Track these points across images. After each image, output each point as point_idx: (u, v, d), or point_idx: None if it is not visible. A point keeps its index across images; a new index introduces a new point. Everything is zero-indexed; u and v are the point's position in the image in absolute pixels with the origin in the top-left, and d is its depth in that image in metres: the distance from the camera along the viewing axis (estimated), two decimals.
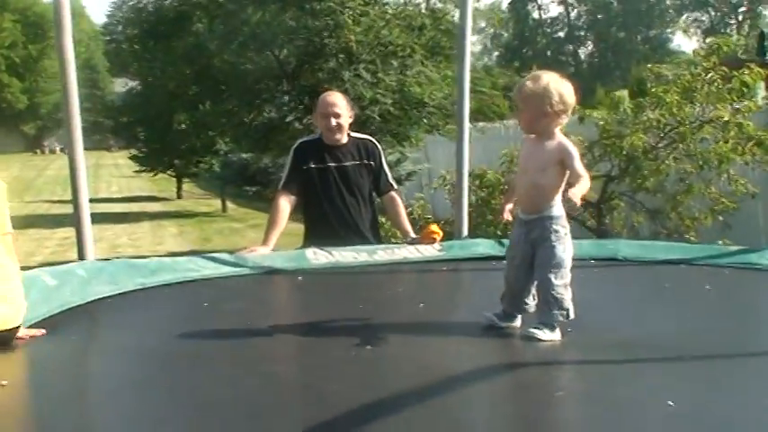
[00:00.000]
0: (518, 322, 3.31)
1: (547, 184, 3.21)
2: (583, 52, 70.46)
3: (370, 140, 5.47)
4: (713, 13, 68.26)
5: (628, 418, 2.37)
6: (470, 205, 7.82)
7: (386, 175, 5.42)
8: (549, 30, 68.43)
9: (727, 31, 32.10)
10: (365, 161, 5.33)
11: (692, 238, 7.78)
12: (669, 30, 68.91)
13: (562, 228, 3.20)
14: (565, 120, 3.22)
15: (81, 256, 4.65)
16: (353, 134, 5.40)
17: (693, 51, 7.72)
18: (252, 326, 3.60)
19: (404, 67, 10.48)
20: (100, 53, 57.04)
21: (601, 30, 66.74)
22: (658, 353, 3.02)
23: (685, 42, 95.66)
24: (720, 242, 7.17)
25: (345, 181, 5.27)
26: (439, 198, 10.03)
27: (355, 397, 2.55)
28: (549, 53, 61.45)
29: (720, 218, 7.96)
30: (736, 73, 7.48)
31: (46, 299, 3.77)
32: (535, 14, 66.34)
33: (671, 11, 67.82)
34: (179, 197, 27.61)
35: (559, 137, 3.22)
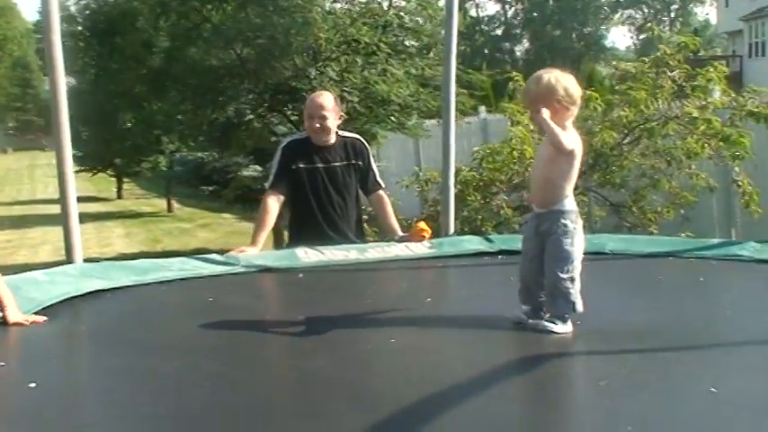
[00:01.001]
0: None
1: (556, 176, 3.26)
2: (519, 50, 71.25)
3: (359, 140, 5.47)
4: (646, 11, 69.51)
5: (679, 406, 2.44)
6: (439, 203, 7.92)
7: (373, 174, 5.44)
8: (486, 27, 69.01)
9: (660, 27, 32.58)
10: (353, 161, 5.33)
11: (654, 232, 7.95)
12: (604, 27, 70.01)
13: (571, 222, 3.25)
14: (574, 111, 3.27)
15: (69, 260, 4.61)
16: (342, 133, 5.39)
17: (660, 49, 7.85)
18: (263, 320, 3.70)
19: (369, 65, 10.50)
20: (32, 51, 56.01)
21: (536, 28, 67.49)
22: (679, 342, 3.12)
23: (619, 39, 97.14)
24: (682, 234, 7.36)
25: (334, 181, 5.27)
26: (403, 196, 10.05)
27: (388, 390, 2.63)
28: (486, 51, 61.92)
29: (682, 211, 8.15)
30: (700, 71, 7.67)
31: (40, 291, 3.81)
32: (473, 12, 66.78)
33: (605, 8, 68.90)
34: (119, 197, 27.25)
35: (571, 129, 3.27)
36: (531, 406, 2.60)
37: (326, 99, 5.32)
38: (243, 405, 2.50)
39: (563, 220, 3.25)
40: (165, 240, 17.10)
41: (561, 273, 3.21)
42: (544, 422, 2.45)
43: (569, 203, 3.28)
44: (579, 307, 3.22)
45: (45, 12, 4.52)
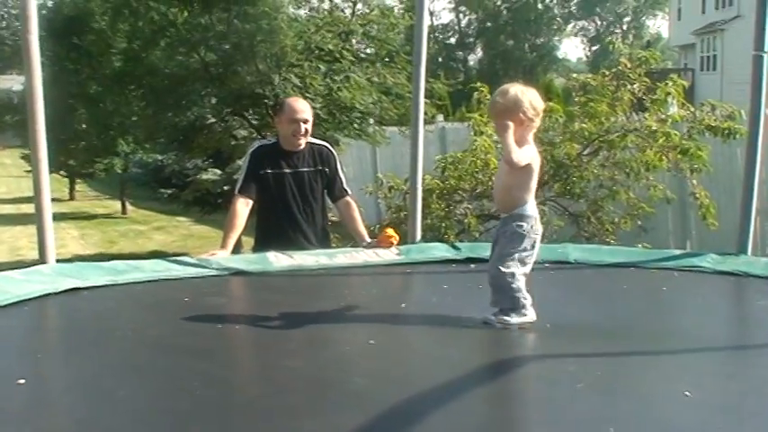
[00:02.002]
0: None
1: (514, 186, 3.42)
2: (472, 59, 71.61)
3: (326, 146, 5.53)
4: (599, 22, 70.36)
5: (654, 409, 2.55)
6: (402, 209, 8.01)
7: (340, 180, 5.49)
8: (440, 36, 69.30)
9: (612, 39, 33.04)
10: (320, 167, 5.39)
11: (612, 242, 8.10)
12: (556, 38, 70.68)
13: (526, 224, 3.40)
14: (537, 124, 3.45)
15: (42, 260, 4.61)
16: (309, 139, 5.44)
17: (620, 62, 8.03)
18: (242, 321, 3.76)
19: (332, 72, 10.57)
20: None
21: (490, 37, 67.88)
22: (649, 347, 3.25)
23: (571, 50, 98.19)
24: (639, 245, 7.51)
25: (300, 187, 5.33)
26: (362, 202, 10.11)
27: (369, 390, 2.71)
28: (440, 59, 62.15)
29: (639, 222, 8.32)
30: (660, 84, 7.85)
31: (17, 287, 3.89)
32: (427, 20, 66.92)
33: (558, 19, 69.57)
34: (71, 198, 26.95)
35: (531, 143, 3.41)
36: (512, 406, 2.70)
37: (305, 104, 5.43)
38: (233, 403, 2.57)
39: (518, 222, 3.40)
40: (120, 242, 17.01)
41: (501, 267, 3.38)
42: (527, 422, 2.56)
43: (530, 209, 3.43)
44: (526, 302, 3.37)
45: (23, 13, 4.52)
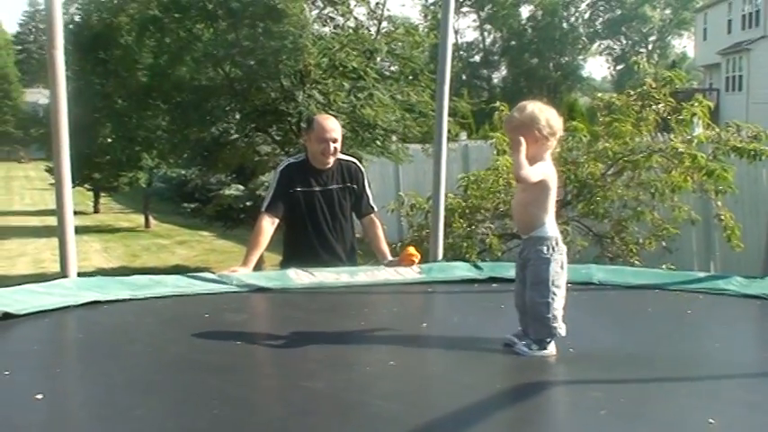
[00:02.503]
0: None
1: (530, 204, 3.38)
2: (497, 77, 71.72)
3: (354, 163, 5.53)
4: (624, 42, 70.25)
5: None
6: (424, 228, 7.98)
7: (367, 197, 5.49)
8: (464, 54, 69.44)
9: (637, 59, 32.94)
10: (348, 184, 5.39)
11: (636, 263, 8.03)
12: (581, 57, 70.64)
13: (548, 248, 3.34)
14: (553, 142, 3.39)
15: (64, 273, 4.62)
16: (338, 156, 5.45)
17: (645, 82, 7.98)
18: (261, 339, 3.73)
19: (356, 90, 10.58)
20: (11, 63, 55.75)
21: (514, 56, 67.98)
22: (673, 373, 3.19)
23: (596, 69, 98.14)
24: (664, 266, 7.45)
25: (330, 205, 5.32)
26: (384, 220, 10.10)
27: (389, 413, 2.67)
28: (464, 77, 62.26)
29: (663, 243, 8.25)
30: (685, 105, 7.80)
31: (36, 300, 3.92)
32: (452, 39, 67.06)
33: (583, 38, 69.56)
34: (96, 211, 27.16)
35: (547, 160, 3.37)
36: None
37: (335, 123, 5.42)
38: (250, 424, 2.54)
39: (539, 246, 3.34)
40: (143, 256, 17.07)
41: (537, 297, 3.31)
42: None
43: (550, 230, 3.37)
44: (561, 332, 3.31)
45: (49, 28, 4.55)
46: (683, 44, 73.95)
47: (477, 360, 3.38)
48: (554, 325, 3.30)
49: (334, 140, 5.27)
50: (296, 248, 5.37)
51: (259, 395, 2.95)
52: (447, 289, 4.94)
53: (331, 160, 5.31)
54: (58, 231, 4.68)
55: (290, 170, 5.36)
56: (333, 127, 5.32)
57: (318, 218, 5.29)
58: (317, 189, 5.29)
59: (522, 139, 3.23)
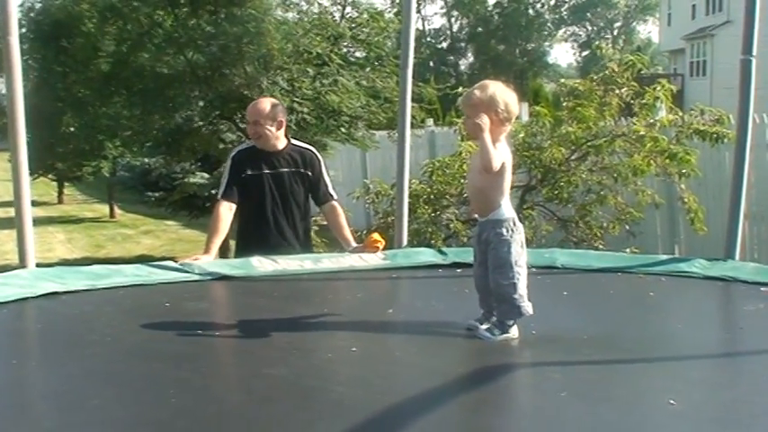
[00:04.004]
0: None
1: (487, 188, 3.36)
2: (464, 64, 71.73)
3: (309, 149, 5.52)
4: (590, 28, 70.51)
5: (637, 418, 2.51)
6: (390, 214, 7.96)
7: (325, 185, 5.47)
8: (432, 41, 69.36)
9: (600, 44, 33.09)
10: (301, 169, 5.37)
11: (600, 247, 8.07)
12: (547, 43, 70.88)
13: (506, 230, 3.33)
14: (508, 127, 3.38)
15: (22, 264, 4.56)
16: (295, 142, 5.46)
17: (608, 67, 8.00)
18: (223, 327, 3.73)
19: (320, 76, 10.52)
20: None
21: (481, 42, 67.99)
22: (634, 354, 3.21)
23: (561, 55, 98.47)
24: (628, 250, 7.49)
25: (280, 187, 5.31)
26: (350, 207, 10.07)
27: (351, 399, 2.66)
28: (431, 63, 62.15)
29: (627, 227, 8.29)
30: (648, 89, 7.83)
31: None
32: (419, 25, 67.05)
33: (549, 25, 69.74)
34: (60, 202, 26.86)
35: (503, 142, 3.35)
36: (495, 415, 2.64)
37: (263, 105, 5.38)
38: (211, 412, 2.52)
39: (498, 229, 3.33)
40: (108, 246, 16.92)
41: (502, 279, 3.30)
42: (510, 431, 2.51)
43: (506, 211, 3.36)
44: (528, 310, 3.31)
45: (3, 14, 4.47)
46: (649, 30, 74.48)
47: (441, 345, 3.37)
48: (522, 304, 3.29)
49: (256, 123, 5.28)
50: (247, 233, 5.40)
51: (220, 383, 2.92)
52: (411, 275, 4.91)
53: (266, 143, 5.32)
54: (16, 222, 4.62)
55: (242, 156, 5.38)
56: (256, 110, 5.33)
57: (267, 200, 5.28)
58: (267, 171, 5.29)
59: (486, 123, 3.20)
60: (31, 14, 19.35)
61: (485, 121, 3.21)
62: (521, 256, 3.34)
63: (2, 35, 4.47)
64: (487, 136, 3.21)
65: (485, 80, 3.42)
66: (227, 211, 5.21)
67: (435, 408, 2.58)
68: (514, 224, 3.36)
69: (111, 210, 22.33)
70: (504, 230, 3.32)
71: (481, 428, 2.52)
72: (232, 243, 5.66)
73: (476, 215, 3.52)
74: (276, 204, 5.31)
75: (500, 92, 3.31)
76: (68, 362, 3.07)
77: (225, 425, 2.42)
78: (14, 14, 4.51)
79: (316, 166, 5.44)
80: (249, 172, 5.28)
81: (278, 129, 5.31)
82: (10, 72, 4.49)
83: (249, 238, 5.34)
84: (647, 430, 2.44)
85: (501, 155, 3.27)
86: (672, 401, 2.54)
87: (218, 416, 2.49)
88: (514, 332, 3.32)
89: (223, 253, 5.47)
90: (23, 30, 19.68)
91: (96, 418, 2.47)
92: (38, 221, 20.52)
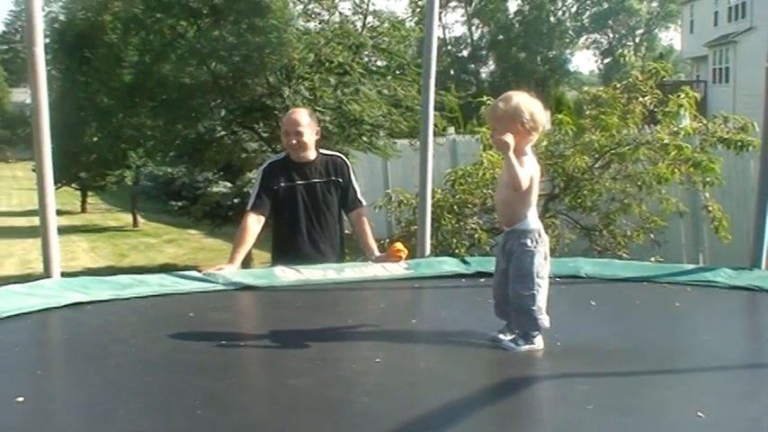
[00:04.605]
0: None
1: (514, 200, 3.33)
2: (485, 72, 71.65)
3: (339, 157, 5.53)
4: (612, 35, 70.30)
5: (665, 430, 2.48)
6: (412, 223, 7.95)
7: (354, 191, 5.47)
8: (452, 49, 69.37)
9: (623, 52, 33.07)
10: (333, 177, 5.37)
11: (624, 255, 8.03)
12: (568, 51, 70.73)
13: (531, 240, 3.31)
14: (535, 137, 3.35)
15: (47, 274, 4.59)
16: (323, 151, 5.46)
17: (631, 75, 7.97)
18: (246, 337, 3.71)
19: (342, 85, 10.55)
20: None
21: (502, 50, 67.94)
22: (661, 366, 3.17)
23: (583, 63, 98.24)
24: (652, 259, 7.44)
25: (313, 198, 5.31)
26: (372, 216, 10.07)
27: (375, 410, 2.65)
28: (452, 71, 62.18)
29: (651, 236, 8.24)
30: (672, 97, 7.79)
31: (18, 301, 3.88)
32: (440, 33, 67.06)
33: (570, 32, 69.58)
34: (83, 210, 27.04)
35: (529, 154, 3.33)
36: (519, 427, 2.63)
37: (302, 115, 5.38)
38: (235, 423, 2.51)
39: (523, 239, 3.32)
40: (131, 255, 17.00)
41: (522, 290, 3.29)
42: None
43: (532, 222, 3.35)
44: (545, 323, 3.29)
45: (29, 24, 4.51)
46: (671, 37, 74.12)
47: (465, 355, 3.35)
48: (539, 317, 3.28)
49: (298, 134, 5.27)
50: (282, 244, 5.38)
51: (244, 394, 2.91)
52: (435, 284, 4.89)
53: (303, 154, 5.32)
54: (41, 231, 4.65)
55: (273, 167, 5.38)
56: (296, 119, 5.33)
57: (301, 211, 5.28)
58: (300, 182, 5.29)
59: (510, 142, 3.17)
60: (55, 25, 19.55)
61: (509, 139, 3.18)
62: (543, 267, 3.33)
63: (27, 46, 4.52)
64: (512, 155, 3.19)
65: (509, 91, 3.40)
66: (254, 223, 5.20)
67: (460, 419, 2.56)
68: (539, 235, 3.34)
69: (135, 219, 22.47)
70: (529, 241, 3.31)
71: None
72: (254, 252, 5.66)
73: (503, 226, 3.50)
74: (309, 215, 5.31)
75: (524, 102, 3.29)
76: (93, 372, 3.06)
77: None
78: (40, 25, 4.55)
79: (345, 173, 5.44)
80: (282, 184, 5.28)
81: (316, 137, 5.34)
82: (35, 82, 4.52)
83: (283, 250, 5.34)
84: None
85: (528, 170, 3.26)
86: (700, 414, 2.52)
87: (244, 427, 2.48)
88: (539, 343, 3.30)
89: (245, 263, 5.47)
90: (47, 40, 19.88)
91: (122, 429, 2.47)
92: (61, 230, 20.68)
